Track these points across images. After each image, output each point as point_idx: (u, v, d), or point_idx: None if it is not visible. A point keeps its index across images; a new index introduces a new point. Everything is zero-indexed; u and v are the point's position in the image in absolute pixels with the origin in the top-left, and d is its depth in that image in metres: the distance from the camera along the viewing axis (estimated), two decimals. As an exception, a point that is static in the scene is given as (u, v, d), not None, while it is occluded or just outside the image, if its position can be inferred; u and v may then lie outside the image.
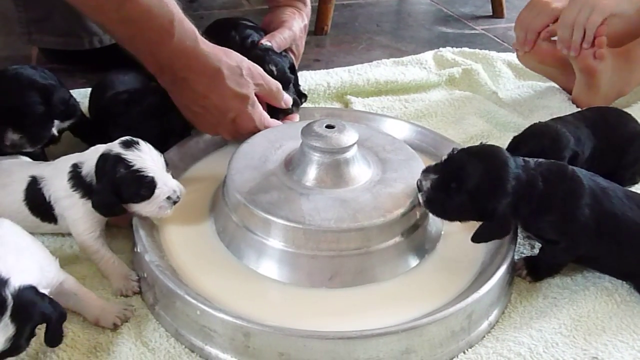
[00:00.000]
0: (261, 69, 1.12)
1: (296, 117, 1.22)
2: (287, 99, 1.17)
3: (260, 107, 1.11)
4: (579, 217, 0.90)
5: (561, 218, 0.90)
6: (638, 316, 0.91)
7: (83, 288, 0.87)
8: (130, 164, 0.90)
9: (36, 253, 0.84)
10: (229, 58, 1.06)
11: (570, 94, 1.41)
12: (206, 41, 1.05)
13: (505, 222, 0.89)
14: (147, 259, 0.88)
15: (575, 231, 0.91)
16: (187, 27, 1.02)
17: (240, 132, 1.09)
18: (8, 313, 0.72)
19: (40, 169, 0.98)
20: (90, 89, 1.27)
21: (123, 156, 0.90)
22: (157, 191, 0.91)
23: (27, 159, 1.06)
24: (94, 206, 0.92)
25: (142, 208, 0.93)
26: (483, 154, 0.90)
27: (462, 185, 0.87)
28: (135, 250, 0.92)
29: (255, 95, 1.09)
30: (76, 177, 0.93)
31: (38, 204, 0.96)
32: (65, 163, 0.95)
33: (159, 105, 1.12)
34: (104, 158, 0.91)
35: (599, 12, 1.24)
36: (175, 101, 1.09)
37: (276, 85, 1.13)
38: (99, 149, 0.93)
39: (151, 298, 0.89)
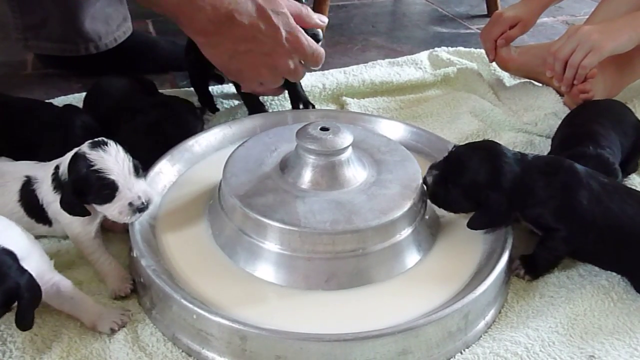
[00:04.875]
0: None
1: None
2: (320, 16, 1.14)
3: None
4: (577, 205, 0.93)
5: (560, 205, 0.93)
6: (634, 314, 0.91)
7: (80, 292, 0.87)
8: (92, 163, 0.88)
9: (25, 236, 0.84)
10: None
11: (555, 89, 1.41)
12: None
13: (499, 209, 0.93)
14: (143, 263, 0.88)
15: (574, 218, 0.93)
16: None
17: (297, 54, 1.08)
18: None
19: (35, 169, 0.97)
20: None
21: (87, 155, 0.89)
22: (118, 195, 0.89)
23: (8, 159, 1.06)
24: (60, 206, 0.91)
25: (105, 210, 0.91)
26: (476, 148, 0.98)
27: (457, 178, 0.94)
28: (132, 254, 0.92)
29: None
30: (56, 178, 0.92)
31: (32, 205, 0.95)
32: (52, 165, 0.95)
33: (160, 119, 1.13)
34: (73, 158, 0.90)
35: (596, 55, 1.19)
36: (217, 55, 1.07)
37: (302, 6, 1.12)
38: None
39: (148, 302, 0.89)
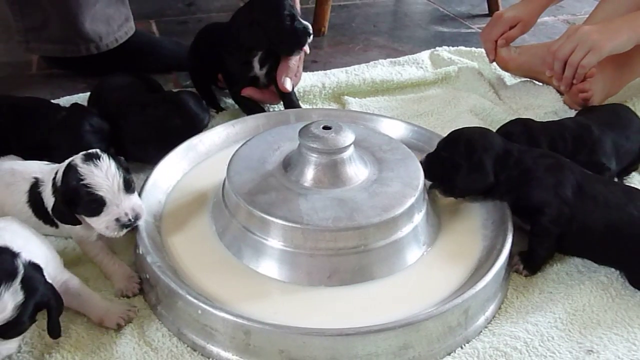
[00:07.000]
0: None
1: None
2: None
3: None
4: (557, 185, 0.96)
5: (539, 184, 0.97)
6: (633, 309, 0.92)
7: (87, 289, 0.89)
8: (82, 177, 0.89)
9: (42, 246, 0.85)
10: None
11: (555, 88, 1.42)
12: None
13: (486, 169, 0.99)
14: (149, 260, 0.89)
15: (554, 197, 0.96)
16: None
17: None
18: (19, 279, 0.74)
19: (43, 171, 0.98)
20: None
21: (78, 169, 0.89)
22: (105, 210, 0.90)
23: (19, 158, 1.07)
24: (51, 212, 0.92)
25: (92, 223, 0.92)
26: (467, 129, 1.07)
27: (450, 145, 1.02)
28: (138, 251, 0.94)
29: None
30: (54, 184, 0.93)
31: (39, 207, 0.96)
32: (55, 169, 0.94)
33: (168, 112, 1.16)
34: (66, 168, 0.91)
35: (596, 54, 1.21)
36: None
37: None
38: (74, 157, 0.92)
39: (153, 298, 0.90)
